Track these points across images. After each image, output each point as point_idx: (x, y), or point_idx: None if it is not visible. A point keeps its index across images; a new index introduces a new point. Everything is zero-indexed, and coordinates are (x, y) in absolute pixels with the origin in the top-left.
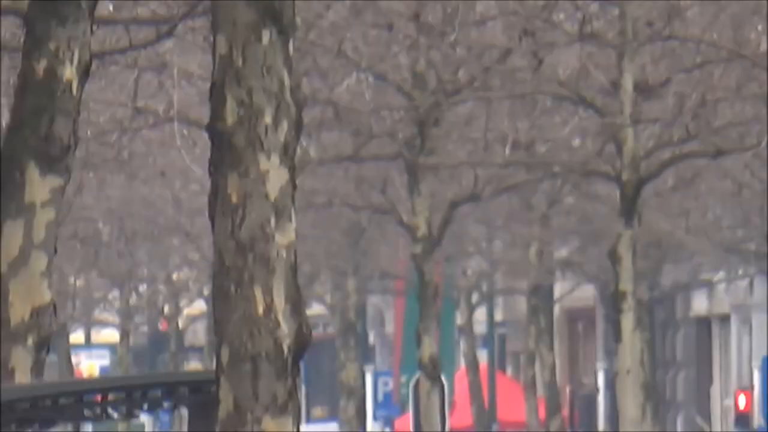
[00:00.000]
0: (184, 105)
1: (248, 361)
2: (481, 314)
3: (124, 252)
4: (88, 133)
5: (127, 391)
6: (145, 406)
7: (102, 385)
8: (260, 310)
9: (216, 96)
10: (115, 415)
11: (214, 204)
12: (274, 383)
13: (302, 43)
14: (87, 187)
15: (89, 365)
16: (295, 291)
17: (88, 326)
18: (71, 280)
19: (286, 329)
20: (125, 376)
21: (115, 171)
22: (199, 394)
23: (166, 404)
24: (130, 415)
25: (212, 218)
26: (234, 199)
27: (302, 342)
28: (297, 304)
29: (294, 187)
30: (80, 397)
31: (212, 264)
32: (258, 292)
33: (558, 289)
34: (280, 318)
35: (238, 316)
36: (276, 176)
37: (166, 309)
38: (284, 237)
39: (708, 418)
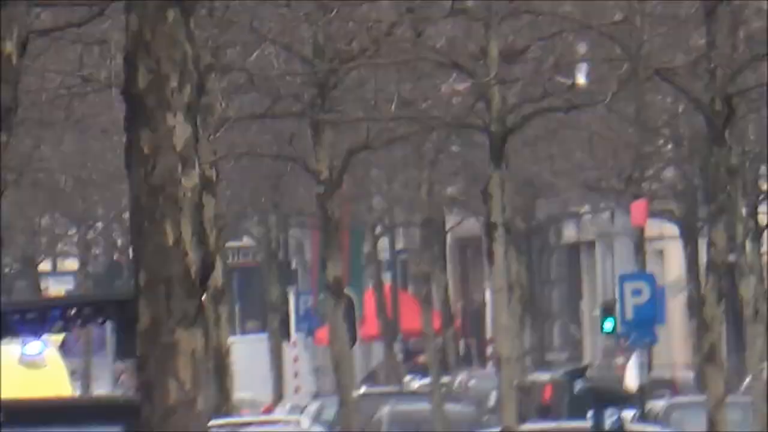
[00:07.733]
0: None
1: (162, 283)
2: (384, 243)
3: (79, 196)
4: (44, 97)
5: (62, 309)
6: (79, 322)
7: (43, 305)
8: (170, 241)
9: (129, 65)
10: (53, 328)
11: (130, 155)
12: (184, 301)
13: (220, 20)
14: (46, 142)
15: (56, 290)
16: (199, 225)
17: (54, 258)
18: (36, 220)
19: (193, 257)
20: (60, 297)
21: (68, 129)
22: (123, 311)
23: (97, 320)
24: (66, 329)
25: (128, 167)
26: (146, 150)
27: (207, 267)
28: (201, 236)
29: (197, 140)
30: (23, 315)
31: (129, 204)
32: (168, 226)
33: (449, 222)
34: (188, 248)
35: (152, 246)
36: (181, 131)
37: (120, 242)
38: (189, 181)
39: (579, 326)
